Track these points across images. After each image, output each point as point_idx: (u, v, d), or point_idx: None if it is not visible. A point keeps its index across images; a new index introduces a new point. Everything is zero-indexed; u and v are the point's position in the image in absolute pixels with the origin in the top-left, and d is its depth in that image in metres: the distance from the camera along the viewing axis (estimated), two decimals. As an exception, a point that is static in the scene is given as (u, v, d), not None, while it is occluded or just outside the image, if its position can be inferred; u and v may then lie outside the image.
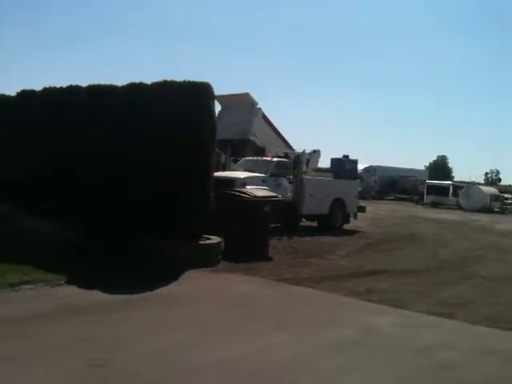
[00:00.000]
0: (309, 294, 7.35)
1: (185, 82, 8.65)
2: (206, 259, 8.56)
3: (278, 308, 6.44)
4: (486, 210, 29.70)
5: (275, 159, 15.16)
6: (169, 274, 7.51)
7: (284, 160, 15.27)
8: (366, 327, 5.81)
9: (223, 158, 17.91)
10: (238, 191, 10.49)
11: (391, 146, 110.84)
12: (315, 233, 14.72)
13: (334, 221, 16.20)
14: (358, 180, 17.96)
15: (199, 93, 8.60)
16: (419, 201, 35.32)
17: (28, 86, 11.01)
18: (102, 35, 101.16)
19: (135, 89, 9.08)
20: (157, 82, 8.85)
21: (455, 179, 63.18)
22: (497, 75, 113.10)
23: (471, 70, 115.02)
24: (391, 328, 5.84)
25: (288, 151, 16.45)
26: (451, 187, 33.57)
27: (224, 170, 15.81)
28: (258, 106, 18.71)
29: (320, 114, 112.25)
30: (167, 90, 8.63)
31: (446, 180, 43.95)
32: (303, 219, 16.42)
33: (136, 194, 8.42)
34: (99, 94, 9.51)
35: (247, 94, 18.48)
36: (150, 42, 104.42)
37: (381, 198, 40.83)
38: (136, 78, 9.24)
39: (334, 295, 7.30)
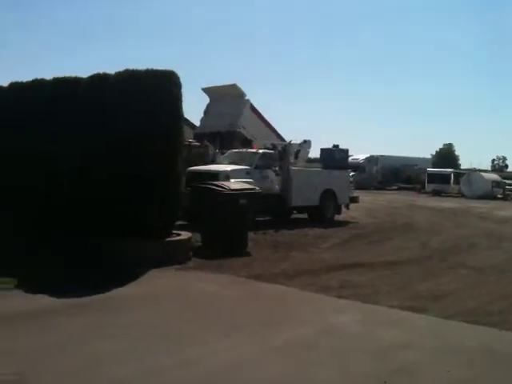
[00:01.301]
0: (275, 291, 6.94)
1: (148, 70, 8.23)
2: (173, 257, 8.16)
3: (237, 308, 6.03)
4: (488, 196, 29.02)
5: (261, 151, 14.68)
6: (129, 275, 7.12)
7: (270, 151, 14.80)
8: (326, 326, 5.40)
9: (211, 150, 17.56)
10: (212, 184, 10.06)
11: (397, 135, 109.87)
12: (305, 225, 14.26)
13: (324, 212, 15.71)
14: (350, 170, 17.42)
15: (163, 81, 8.18)
16: (421, 189, 34.63)
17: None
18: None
19: (99, 79, 8.68)
20: (120, 72, 8.43)
21: (462, 167, 62.40)
22: (503, 60, 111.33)
23: (475, 57, 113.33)
24: (354, 326, 5.41)
25: (276, 142, 15.95)
26: (452, 175, 32.88)
27: (213, 162, 15.43)
28: (246, 97, 18.25)
29: (321, 105, 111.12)
30: (130, 80, 8.21)
31: (453, 168, 43.25)
32: (294, 211, 16.01)
33: (98, 192, 8.01)
34: (64, 86, 9.11)
35: (234, 85, 18.03)
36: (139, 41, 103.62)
37: (384, 188, 40.23)
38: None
39: (303, 292, 6.87)
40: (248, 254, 9.58)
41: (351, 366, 4.29)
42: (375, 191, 36.59)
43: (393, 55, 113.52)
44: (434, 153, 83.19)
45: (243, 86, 18.28)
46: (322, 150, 16.66)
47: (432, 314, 5.97)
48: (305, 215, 16.05)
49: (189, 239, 8.76)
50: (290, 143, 15.58)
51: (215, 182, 10.24)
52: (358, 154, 44.60)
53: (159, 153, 7.93)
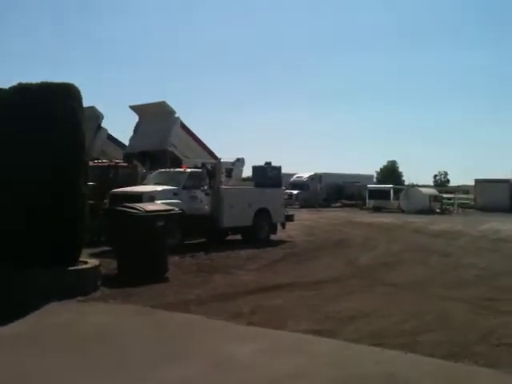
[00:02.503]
0: (181, 320, 6.45)
1: (42, 83, 7.65)
2: (78, 288, 7.50)
3: (129, 344, 5.45)
4: (427, 211, 29.71)
5: (188, 170, 14.23)
6: (19, 311, 6.41)
7: (198, 171, 14.37)
8: (223, 359, 4.93)
9: (141, 171, 16.95)
10: (126, 206, 9.49)
11: (342, 154, 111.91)
12: (238, 246, 13.82)
13: (259, 232, 15.34)
14: (284, 188, 17.22)
15: (59, 95, 7.62)
16: (363, 206, 35.13)
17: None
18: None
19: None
20: (14, 86, 7.80)
21: (406, 183, 64.14)
22: (441, 72, 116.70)
23: (412, 71, 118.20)
24: (250, 357, 4.98)
25: (206, 161, 15.55)
26: (392, 190, 33.53)
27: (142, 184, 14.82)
28: (176, 115, 17.79)
29: (261, 124, 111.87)
30: (24, 93, 7.59)
31: (398, 184, 44.22)
32: (229, 232, 15.57)
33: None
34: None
35: (163, 103, 17.57)
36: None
37: (328, 206, 40.58)
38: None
39: (210, 320, 6.40)
40: (166, 280, 9.03)
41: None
42: (320, 209, 36.88)
43: (334, 74, 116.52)
44: (378, 170, 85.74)
45: (175, 105, 17.90)
46: (253, 167, 16.38)
47: (340, 338, 5.66)
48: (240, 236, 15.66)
49: (96, 267, 8.11)
50: (219, 161, 15.22)
51: (130, 204, 9.67)
52: (302, 172, 45.18)
53: (56, 174, 7.32)
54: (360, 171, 51.52)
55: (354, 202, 40.10)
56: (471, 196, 37.30)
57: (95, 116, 19.90)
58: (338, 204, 42.73)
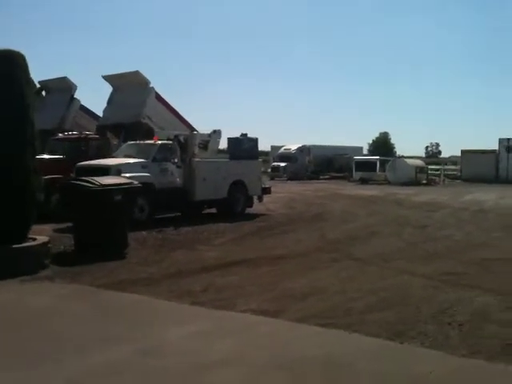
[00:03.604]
0: (124, 301, 6.13)
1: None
2: (23, 265, 7.14)
3: (60, 328, 5.09)
4: (413, 182, 29.43)
5: (159, 142, 13.73)
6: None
7: (169, 143, 13.86)
8: (153, 344, 4.60)
9: (113, 143, 16.44)
10: (81, 180, 9.07)
11: (335, 125, 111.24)
12: (211, 220, 13.47)
13: (234, 205, 14.96)
14: (260, 160, 16.78)
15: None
16: (350, 178, 34.79)
17: None
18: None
19: None
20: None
21: (398, 154, 63.83)
22: (435, 42, 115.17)
23: (408, 45, 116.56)
24: (185, 341, 4.67)
25: (178, 133, 15.00)
26: (378, 162, 33.13)
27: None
28: (151, 85, 17.16)
29: (253, 96, 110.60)
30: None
31: (390, 156, 43.79)
32: (205, 206, 15.20)
33: None
34: None
35: (137, 72, 16.89)
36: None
37: (317, 178, 40.22)
38: None
39: (157, 300, 6.08)
40: (123, 257, 8.68)
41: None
42: (308, 181, 36.54)
43: (327, 46, 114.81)
44: (370, 142, 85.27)
45: (150, 75, 17.27)
46: (229, 139, 15.90)
47: (287, 318, 5.36)
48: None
49: (44, 244, 7.74)
50: (192, 133, 14.74)
51: (85, 178, 9.24)
52: (290, 145, 44.64)
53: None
54: (352, 143, 50.93)
55: (342, 175, 39.78)
56: (459, 167, 37.03)
57: (67, 87, 19.22)
58: (326, 176, 42.43)
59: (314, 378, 3.84)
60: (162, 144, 13.60)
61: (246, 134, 15.89)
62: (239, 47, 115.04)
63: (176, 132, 15.00)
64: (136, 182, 9.64)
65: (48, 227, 11.11)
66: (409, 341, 4.67)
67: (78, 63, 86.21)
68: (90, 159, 13.38)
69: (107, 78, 17.79)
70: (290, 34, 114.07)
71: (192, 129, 17.67)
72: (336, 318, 5.35)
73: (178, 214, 14.24)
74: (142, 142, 14.16)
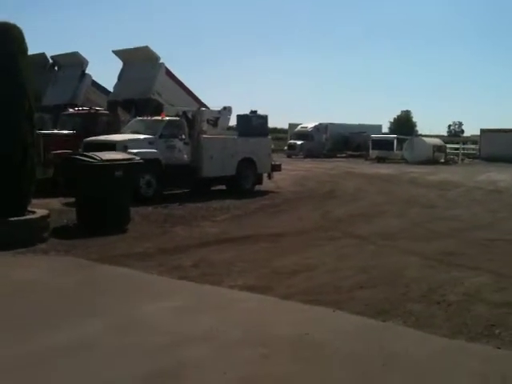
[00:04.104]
0: (113, 275, 6.16)
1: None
2: (21, 238, 7.21)
3: (40, 302, 5.07)
4: (430, 161, 28.83)
5: (167, 118, 13.66)
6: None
7: (176, 119, 13.77)
8: (132, 319, 4.59)
9: (123, 119, 16.45)
10: (82, 155, 9.10)
11: (356, 104, 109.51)
12: (219, 196, 13.45)
13: (243, 182, 14.91)
14: (269, 137, 16.60)
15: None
16: (367, 156, 34.29)
17: None
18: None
19: None
20: None
21: (419, 133, 62.73)
22: (456, 21, 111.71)
23: (431, 25, 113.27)
24: (164, 317, 4.64)
25: (187, 109, 14.91)
26: (395, 141, 32.43)
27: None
28: (161, 61, 17.04)
29: (273, 77, 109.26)
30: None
31: (411, 135, 42.96)
32: (213, 182, 15.16)
33: None
34: None
35: (147, 48, 16.78)
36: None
37: (334, 156, 39.81)
38: None
39: (143, 274, 6.09)
40: (124, 231, 8.72)
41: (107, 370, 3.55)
42: (324, 159, 36.20)
43: (347, 24, 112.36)
44: (392, 120, 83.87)
45: (160, 50, 17.10)
46: (238, 116, 15.72)
47: (273, 294, 5.31)
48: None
49: (43, 217, 7.80)
50: (200, 110, 14.61)
51: (87, 153, 9.27)
52: (308, 123, 44.17)
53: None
54: (374, 122, 50.08)
55: (359, 153, 39.28)
56: (478, 146, 36.17)
57: (79, 62, 19.23)
58: (343, 155, 41.97)
59: (282, 357, 3.78)
60: (169, 120, 13.54)
61: (255, 111, 15.71)
62: (257, 19, 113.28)
63: (184, 108, 14.92)
64: (138, 158, 9.62)
65: (57, 201, 11.29)
66: (392, 319, 4.59)
67: (90, 37, 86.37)
68: (100, 135, 13.42)
69: (117, 53, 17.73)
70: (311, 6, 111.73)
71: (203, 105, 17.53)
72: (323, 294, 5.29)
73: (187, 190, 14.27)
74: (149, 118, 14.11)
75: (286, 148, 40.52)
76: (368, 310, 4.83)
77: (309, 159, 36.03)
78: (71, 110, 15.98)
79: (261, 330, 4.34)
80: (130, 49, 17.27)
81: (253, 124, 15.45)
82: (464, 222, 9.98)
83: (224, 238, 8.38)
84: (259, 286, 5.56)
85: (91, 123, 14.84)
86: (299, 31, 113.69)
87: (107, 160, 8.94)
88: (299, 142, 39.94)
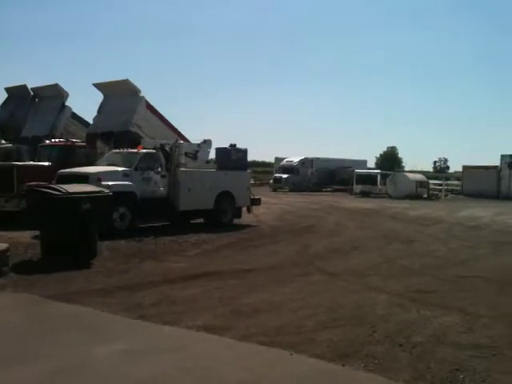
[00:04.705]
0: (65, 313, 5.83)
1: None
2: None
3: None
4: (413, 196, 28.99)
5: (143, 151, 13.51)
6: None
7: (152, 151, 13.61)
8: (72, 363, 4.26)
9: (104, 151, 16.30)
10: (47, 187, 8.84)
11: (343, 139, 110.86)
12: (197, 230, 13.17)
13: (221, 216, 14.69)
14: (249, 171, 16.50)
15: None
16: (352, 191, 34.39)
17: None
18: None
19: None
20: None
21: (405, 169, 63.33)
22: (441, 58, 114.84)
23: (415, 62, 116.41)
24: (108, 362, 4.31)
25: (165, 142, 14.78)
26: (379, 176, 32.71)
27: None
28: (141, 94, 17.02)
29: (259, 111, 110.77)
30: None
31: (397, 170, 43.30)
32: (193, 216, 14.91)
33: None
34: None
35: (127, 81, 16.79)
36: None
37: (319, 190, 39.91)
38: None
39: (97, 313, 5.77)
40: (88, 267, 8.41)
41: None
42: (309, 193, 36.22)
43: (335, 59, 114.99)
44: (378, 155, 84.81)
45: (141, 84, 17.12)
46: (217, 149, 15.65)
47: (230, 335, 5.03)
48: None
49: (2, 252, 7.49)
50: (178, 143, 14.50)
51: (53, 185, 9.03)
52: (293, 157, 44.40)
53: None
54: (361, 157, 50.52)
55: (344, 187, 39.41)
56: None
57: (59, 94, 19.18)
58: (328, 189, 42.08)
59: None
60: (145, 153, 13.38)
61: (234, 145, 15.63)
62: (240, 52, 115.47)
63: (162, 141, 14.80)
64: (107, 191, 9.39)
65: (29, 234, 10.93)
66: (352, 363, 4.33)
67: (71, 70, 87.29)
68: (77, 166, 13.20)
69: (98, 86, 17.71)
70: (294, 40, 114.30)
71: (183, 139, 17.49)
72: (283, 335, 5.02)
73: (167, 223, 13.99)
74: (125, 150, 13.95)
75: (271, 181, 40.61)
76: (329, 352, 4.57)
77: (294, 193, 36.09)
78: (48, 141, 15.79)
79: (213, 375, 4.05)
80: (111, 82, 17.29)
81: (232, 157, 15.35)
82: (440, 259, 9.82)
83: (191, 273, 8.09)
84: (218, 326, 5.27)
85: (68, 155, 14.66)
86: (288, 65, 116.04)
87: (73, 193, 8.69)
88: (285, 176, 40.11)
